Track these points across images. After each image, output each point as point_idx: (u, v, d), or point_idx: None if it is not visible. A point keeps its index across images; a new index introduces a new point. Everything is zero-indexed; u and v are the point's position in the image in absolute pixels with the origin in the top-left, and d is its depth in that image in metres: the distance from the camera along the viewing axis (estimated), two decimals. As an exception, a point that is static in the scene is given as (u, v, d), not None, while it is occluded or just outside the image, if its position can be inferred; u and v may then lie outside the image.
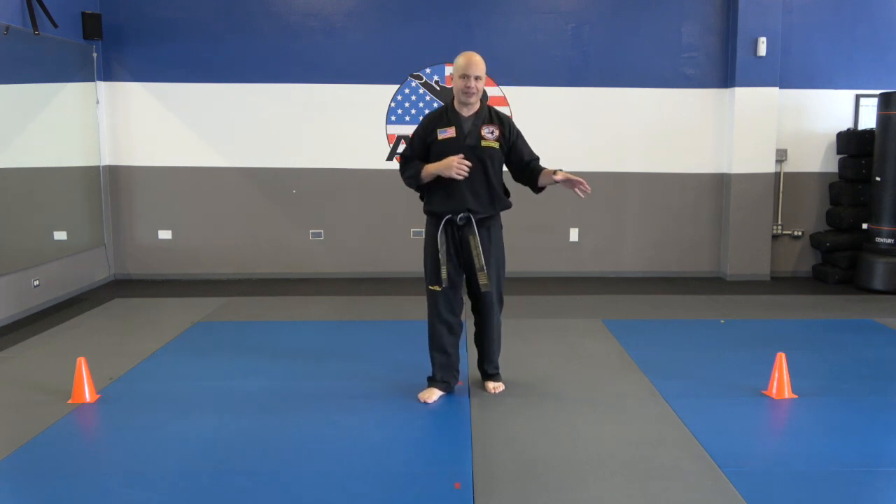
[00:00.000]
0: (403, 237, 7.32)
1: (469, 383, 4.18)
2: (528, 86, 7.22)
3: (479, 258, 3.82)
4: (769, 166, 7.22)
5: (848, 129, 7.27)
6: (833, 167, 7.42)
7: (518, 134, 3.93)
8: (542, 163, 3.97)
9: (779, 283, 7.20)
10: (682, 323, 5.64)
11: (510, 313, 4.76)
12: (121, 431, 3.60)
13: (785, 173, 7.42)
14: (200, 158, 7.27)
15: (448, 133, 3.79)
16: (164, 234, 7.35)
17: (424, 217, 3.98)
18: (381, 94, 7.22)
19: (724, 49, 7.23)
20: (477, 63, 3.75)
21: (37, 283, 6.02)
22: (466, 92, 3.75)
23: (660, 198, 7.40)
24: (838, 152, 7.35)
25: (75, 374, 3.96)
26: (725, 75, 7.25)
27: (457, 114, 3.83)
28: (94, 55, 6.99)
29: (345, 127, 7.23)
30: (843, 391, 4.12)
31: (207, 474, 3.13)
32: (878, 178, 6.83)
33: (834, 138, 7.37)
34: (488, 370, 4.12)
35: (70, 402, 3.91)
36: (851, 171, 7.16)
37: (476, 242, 3.82)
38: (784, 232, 7.51)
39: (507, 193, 3.97)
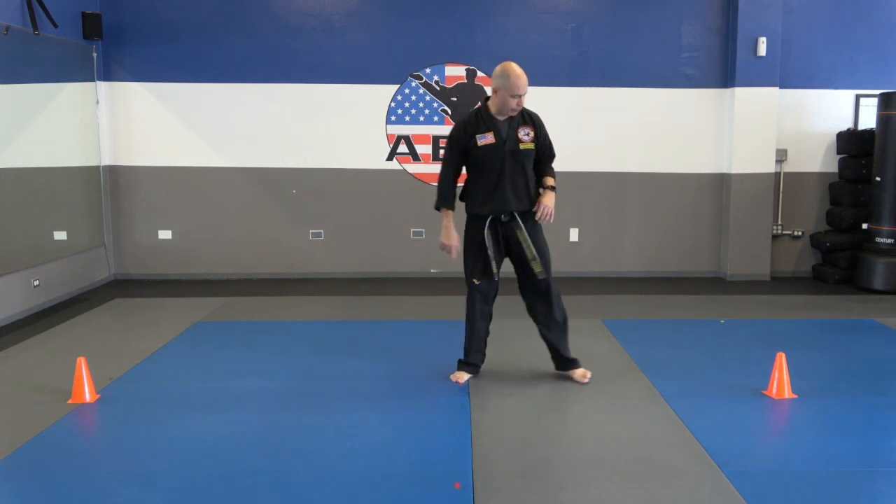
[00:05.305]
0: (403, 237, 7.30)
1: (469, 383, 4.18)
2: (528, 86, 7.19)
3: (531, 249, 3.97)
4: (769, 166, 7.22)
5: (848, 129, 7.27)
6: (833, 167, 7.42)
7: (546, 134, 4.08)
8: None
9: (779, 283, 7.19)
10: (682, 323, 5.64)
11: (510, 313, 4.76)
12: (121, 431, 3.61)
13: (785, 173, 7.42)
14: (200, 158, 7.26)
15: (487, 139, 3.94)
16: (164, 234, 7.35)
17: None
18: (381, 94, 7.21)
19: (724, 49, 7.22)
20: (526, 82, 3.92)
21: (37, 283, 6.02)
22: (515, 109, 3.92)
23: (660, 198, 7.40)
24: (838, 152, 7.34)
25: (75, 374, 3.95)
26: (725, 75, 7.25)
27: (492, 118, 3.96)
28: (94, 55, 6.99)
29: (345, 127, 7.23)
30: (843, 391, 4.12)
31: (207, 474, 3.13)
32: (878, 178, 6.83)
33: (834, 138, 7.37)
34: (568, 358, 4.20)
35: (70, 402, 3.91)
36: (851, 171, 7.16)
37: (524, 236, 3.97)
38: (784, 232, 7.50)
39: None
